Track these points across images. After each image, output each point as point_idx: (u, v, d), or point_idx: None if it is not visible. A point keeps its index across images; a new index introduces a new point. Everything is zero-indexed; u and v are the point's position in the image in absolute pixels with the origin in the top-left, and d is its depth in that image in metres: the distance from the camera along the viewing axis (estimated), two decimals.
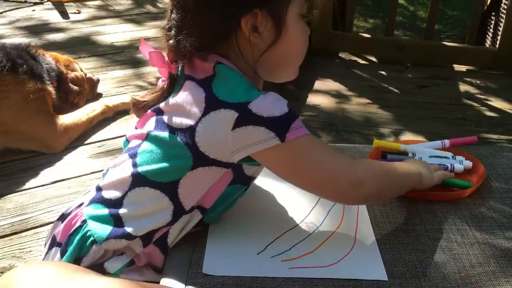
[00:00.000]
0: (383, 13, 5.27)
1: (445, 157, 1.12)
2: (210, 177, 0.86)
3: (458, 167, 1.10)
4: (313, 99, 2.81)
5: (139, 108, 0.95)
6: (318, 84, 3.00)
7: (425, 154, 1.13)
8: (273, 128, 0.79)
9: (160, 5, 3.72)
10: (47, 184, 1.58)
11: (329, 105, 2.75)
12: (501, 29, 3.17)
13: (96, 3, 3.85)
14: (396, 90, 2.95)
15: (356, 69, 3.29)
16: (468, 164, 1.11)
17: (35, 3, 3.71)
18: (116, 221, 0.88)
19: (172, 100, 0.87)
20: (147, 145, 0.88)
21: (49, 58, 1.93)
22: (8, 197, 1.52)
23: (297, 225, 0.95)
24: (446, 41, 3.65)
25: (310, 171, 0.84)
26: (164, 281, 0.84)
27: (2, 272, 1.23)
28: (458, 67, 3.28)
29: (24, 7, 3.63)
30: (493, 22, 3.60)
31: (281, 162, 0.84)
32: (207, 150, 0.83)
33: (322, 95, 2.87)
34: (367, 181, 0.86)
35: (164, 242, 0.90)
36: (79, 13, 3.57)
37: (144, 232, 0.87)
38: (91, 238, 0.89)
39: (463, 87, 2.99)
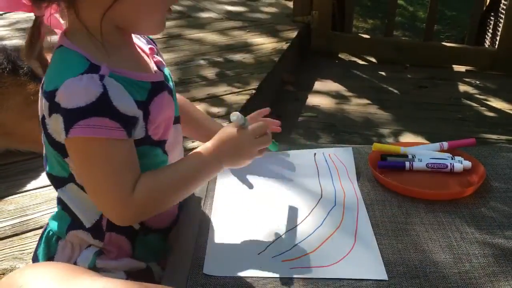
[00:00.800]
0: (383, 14, 5.28)
1: (444, 159, 1.13)
2: None
3: (458, 166, 1.11)
4: (312, 100, 2.82)
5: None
6: (318, 85, 3.01)
7: (424, 156, 1.14)
8: (64, 119, 0.77)
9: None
10: (47, 186, 1.58)
11: (328, 106, 2.75)
12: (500, 29, 3.18)
13: None
14: (395, 91, 2.96)
15: (356, 69, 3.30)
16: (468, 164, 1.12)
17: None
18: (70, 215, 0.91)
19: None
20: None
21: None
22: (9, 198, 1.53)
23: (298, 225, 0.95)
24: (445, 42, 3.66)
25: (88, 178, 0.81)
26: (165, 282, 0.85)
27: (3, 274, 1.23)
28: (457, 68, 3.29)
29: None
30: (492, 22, 3.60)
31: (72, 156, 0.81)
32: (57, 137, 0.82)
33: (322, 95, 2.88)
34: (137, 202, 0.80)
35: (116, 225, 0.89)
36: None
37: (91, 221, 0.89)
38: (55, 236, 0.92)
39: (462, 88, 3.00)
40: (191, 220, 0.97)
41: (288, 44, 3.06)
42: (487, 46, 3.64)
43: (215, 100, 2.29)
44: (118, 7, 0.79)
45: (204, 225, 0.95)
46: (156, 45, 0.99)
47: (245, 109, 2.22)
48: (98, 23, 0.79)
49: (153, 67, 0.91)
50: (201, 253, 0.88)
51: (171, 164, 0.89)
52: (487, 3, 3.68)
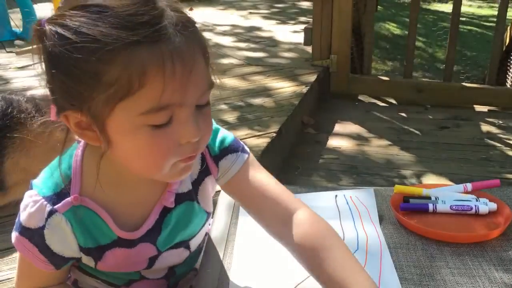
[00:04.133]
0: (401, 56, 5.32)
1: (468, 200, 1.11)
2: None
3: (483, 208, 1.09)
4: (333, 142, 2.82)
5: None
6: (338, 127, 3.02)
7: (448, 198, 1.12)
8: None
9: None
10: None
11: (349, 148, 2.75)
12: None
13: None
14: (416, 132, 2.95)
15: (376, 111, 3.31)
16: (493, 206, 1.10)
17: None
18: None
19: None
20: None
21: None
22: None
23: None
24: (465, 82, 3.66)
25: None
26: None
27: None
28: (479, 108, 3.27)
29: None
30: None
31: None
32: None
33: (343, 138, 2.88)
34: None
35: None
36: None
37: None
38: None
39: (485, 128, 2.97)
40: (211, 266, 0.97)
41: (308, 87, 3.10)
42: (509, 86, 3.62)
43: None
44: (115, 154, 0.74)
45: (224, 272, 0.95)
46: (217, 157, 0.89)
47: (267, 151, 2.23)
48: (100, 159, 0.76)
49: (154, 215, 0.85)
50: None
51: None
52: (507, 43, 3.69)
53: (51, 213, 0.78)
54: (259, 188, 0.88)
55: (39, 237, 0.79)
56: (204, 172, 0.89)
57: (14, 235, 0.81)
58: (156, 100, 0.66)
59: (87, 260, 0.85)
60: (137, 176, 0.79)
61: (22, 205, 0.81)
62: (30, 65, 3.57)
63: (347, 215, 1.11)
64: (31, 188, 0.82)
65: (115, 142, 0.71)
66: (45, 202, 0.79)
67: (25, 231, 0.80)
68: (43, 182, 0.82)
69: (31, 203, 0.79)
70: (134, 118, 0.68)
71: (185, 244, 0.92)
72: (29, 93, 2.13)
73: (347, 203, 1.15)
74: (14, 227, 0.82)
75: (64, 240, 0.80)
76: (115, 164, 0.77)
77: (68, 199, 0.79)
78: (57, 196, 0.79)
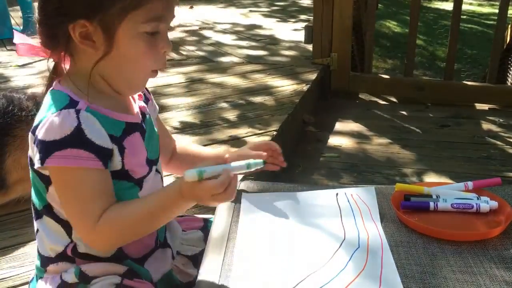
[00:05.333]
0: (402, 54, 5.32)
1: (470, 199, 1.11)
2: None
3: (484, 206, 1.09)
4: (334, 140, 2.82)
5: None
6: (339, 126, 3.01)
7: (449, 196, 1.12)
8: (40, 150, 0.86)
9: (184, 52, 3.83)
10: None
11: (350, 146, 2.75)
12: None
13: None
14: (417, 130, 2.94)
15: (377, 109, 3.30)
16: (494, 204, 1.10)
17: None
18: (39, 254, 1.00)
19: None
20: None
21: None
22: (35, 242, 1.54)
23: (320, 268, 0.94)
24: (466, 81, 3.65)
25: (64, 203, 0.91)
26: None
27: None
28: (480, 106, 3.27)
29: None
30: None
31: (53, 184, 0.90)
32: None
33: (343, 136, 2.88)
34: (101, 232, 0.89)
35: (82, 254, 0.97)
36: None
37: (58, 251, 0.97)
38: (37, 277, 1.02)
39: (486, 126, 2.97)
40: (212, 265, 0.97)
41: (308, 85, 3.09)
42: (509, 84, 3.62)
43: (237, 142, 2.31)
44: (105, 63, 0.91)
45: (225, 271, 0.95)
46: (149, 94, 1.14)
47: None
48: (89, 71, 0.92)
49: (136, 110, 1.02)
50: None
51: (140, 198, 0.96)
52: (507, 42, 3.68)
53: (77, 111, 0.88)
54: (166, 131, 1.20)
55: (78, 135, 0.85)
56: (144, 100, 1.09)
57: (53, 159, 0.85)
58: (157, 11, 0.89)
59: (116, 156, 0.92)
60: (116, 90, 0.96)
61: (43, 131, 0.86)
62: (31, 63, 3.57)
63: (348, 214, 1.11)
64: (41, 121, 0.88)
65: (119, 47, 0.89)
66: (67, 109, 0.87)
67: (62, 144, 0.85)
68: (50, 107, 0.89)
69: (54, 119, 0.86)
70: (138, 25, 0.89)
71: (156, 164, 1.05)
72: (29, 91, 2.12)
73: (348, 201, 1.15)
74: (48, 158, 0.85)
75: (98, 129, 0.89)
76: (101, 81, 0.94)
77: (80, 101, 0.90)
78: (69, 104, 0.89)
